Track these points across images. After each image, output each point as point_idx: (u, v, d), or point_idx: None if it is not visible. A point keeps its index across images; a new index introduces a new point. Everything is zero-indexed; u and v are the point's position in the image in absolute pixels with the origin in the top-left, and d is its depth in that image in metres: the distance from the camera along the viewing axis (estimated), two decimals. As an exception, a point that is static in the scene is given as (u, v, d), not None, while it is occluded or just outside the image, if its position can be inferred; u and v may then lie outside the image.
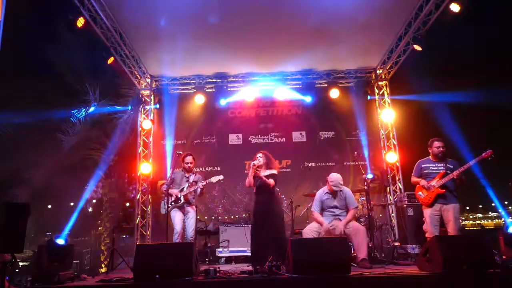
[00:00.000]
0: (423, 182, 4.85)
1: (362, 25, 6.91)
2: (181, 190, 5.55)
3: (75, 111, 8.19)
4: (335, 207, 5.04)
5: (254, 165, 4.85)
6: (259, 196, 4.85)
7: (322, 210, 5.12)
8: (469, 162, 4.67)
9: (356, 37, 7.33)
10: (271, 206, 4.78)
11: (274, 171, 4.93)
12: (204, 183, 5.50)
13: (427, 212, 4.82)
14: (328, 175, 5.22)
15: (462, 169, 4.66)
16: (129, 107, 8.58)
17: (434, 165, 4.89)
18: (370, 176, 7.67)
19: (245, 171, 8.40)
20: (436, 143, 4.89)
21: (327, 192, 5.15)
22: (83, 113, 8.20)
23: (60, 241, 4.46)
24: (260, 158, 4.93)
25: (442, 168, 4.81)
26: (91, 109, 8.27)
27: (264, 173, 4.86)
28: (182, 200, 5.51)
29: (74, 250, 4.88)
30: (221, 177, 5.58)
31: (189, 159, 5.67)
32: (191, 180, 5.59)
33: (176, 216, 5.48)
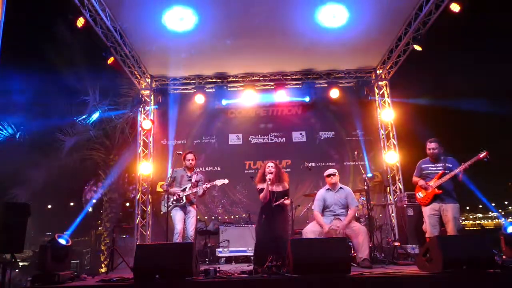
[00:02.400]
0: (421, 182, 4.87)
1: (362, 25, 6.92)
2: (183, 190, 5.55)
3: (79, 117, 8.19)
4: (336, 204, 5.03)
5: (270, 179, 4.79)
6: (272, 210, 4.75)
7: (323, 210, 5.12)
8: (464, 163, 4.66)
9: (356, 37, 7.33)
10: (284, 218, 4.82)
11: (286, 185, 4.95)
12: (208, 186, 5.51)
13: (426, 212, 4.83)
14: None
15: (456, 171, 4.66)
16: (129, 107, 8.58)
17: (433, 166, 4.89)
18: (369, 175, 7.68)
19: (245, 171, 8.42)
20: (428, 145, 4.90)
21: (327, 189, 5.16)
22: (88, 120, 8.22)
23: (62, 241, 4.45)
24: (272, 169, 4.87)
25: (440, 168, 4.82)
26: (96, 115, 8.29)
27: (277, 188, 4.85)
28: (184, 200, 5.51)
29: (73, 250, 4.88)
30: (226, 180, 5.57)
31: (190, 156, 5.70)
32: (193, 180, 5.60)
33: (177, 216, 5.48)
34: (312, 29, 6.99)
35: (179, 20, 6.65)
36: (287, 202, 4.86)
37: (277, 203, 4.72)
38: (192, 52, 7.62)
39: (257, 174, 5.09)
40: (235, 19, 6.69)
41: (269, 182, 4.78)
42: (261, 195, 4.84)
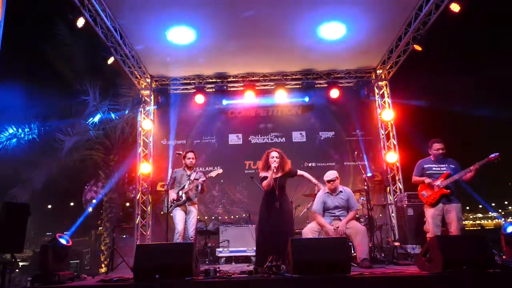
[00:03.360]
0: (427, 180, 4.81)
1: (362, 25, 6.93)
2: (183, 188, 5.57)
3: (80, 118, 8.17)
4: (336, 207, 5.02)
5: (275, 168, 4.78)
6: (273, 197, 4.77)
7: (323, 211, 5.11)
8: (475, 164, 4.65)
9: (356, 37, 7.35)
10: (287, 207, 4.84)
11: (286, 169, 4.95)
12: (204, 178, 5.53)
13: (429, 212, 4.80)
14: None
15: (467, 171, 4.65)
16: (129, 107, 8.57)
17: (437, 166, 4.88)
18: (369, 174, 7.68)
19: (245, 171, 8.42)
20: (436, 145, 4.87)
21: (327, 192, 5.14)
22: (88, 120, 8.21)
23: (62, 241, 4.45)
24: (276, 159, 4.84)
25: (444, 168, 4.81)
26: (98, 117, 8.29)
27: (280, 174, 4.84)
28: (184, 198, 5.52)
29: (72, 250, 4.88)
30: (220, 170, 5.62)
31: (190, 155, 5.74)
32: (192, 177, 5.63)
33: (177, 216, 5.49)
34: (312, 34, 7.15)
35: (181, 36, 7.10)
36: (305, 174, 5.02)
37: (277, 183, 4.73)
38: (192, 52, 7.70)
39: (261, 161, 5.03)
40: (236, 21, 6.71)
41: (274, 170, 4.76)
42: (265, 182, 4.81)
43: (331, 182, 5.07)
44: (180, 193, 5.53)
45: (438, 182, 4.75)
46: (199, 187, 5.57)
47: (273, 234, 4.55)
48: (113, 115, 8.41)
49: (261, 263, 4.22)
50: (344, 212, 5.02)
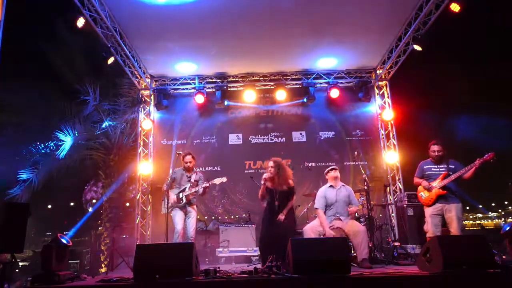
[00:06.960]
0: (424, 183, 4.88)
1: (362, 25, 6.93)
2: (183, 190, 5.54)
3: (80, 118, 8.20)
4: (338, 202, 5.02)
5: (265, 179, 4.75)
6: (276, 212, 4.73)
7: (325, 207, 5.11)
8: (470, 164, 4.66)
9: (356, 37, 7.36)
10: (289, 220, 4.81)
11: (290, 183, 4.91)
12: (207, 185, 5.49)
13: (428, 212, 4.83)
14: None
15: (463, 171, 4.66)
16: (129, 107, 8.57)
17: (436, 167, 4.91)
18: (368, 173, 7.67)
19: (245, 171, 8.42)
20: (433, 147, 4.92)
21: (330, 186, 5.16)
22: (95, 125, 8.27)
23: (63, 241, 4.46)
24: (271, 169, 4.83)
25: (443, 169, 4.84)
26: (105, 123, 8.37)
27: (280, 187, 4.80)
28: (184, 201, 5.50)
29: (71, 250, 4.88)
30: (224, 179, 5.57)
31: (188, 158, 5.68)
32: (192, 179, 5.60)
33: (177, 216, 5.48)
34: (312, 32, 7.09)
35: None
36: (290, 204, 4.88)
37: (281, 217, 4.68)
38: (192, 52, 7.69)
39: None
40: (236, 20, 6.72)
41: (262, 182, 4.75)
42: (259, 193, 4.81)
43: (333, 171, 5.11)
44: (181, 195, 5.51)
45: (435, 183, 4.78)
46: (200, 191, 5.55)
47: (274, 234, 4.55)
48: (113, 116, 8.43)
49: (265, 262, 4.23)
50: (345, 210, 5.03)
